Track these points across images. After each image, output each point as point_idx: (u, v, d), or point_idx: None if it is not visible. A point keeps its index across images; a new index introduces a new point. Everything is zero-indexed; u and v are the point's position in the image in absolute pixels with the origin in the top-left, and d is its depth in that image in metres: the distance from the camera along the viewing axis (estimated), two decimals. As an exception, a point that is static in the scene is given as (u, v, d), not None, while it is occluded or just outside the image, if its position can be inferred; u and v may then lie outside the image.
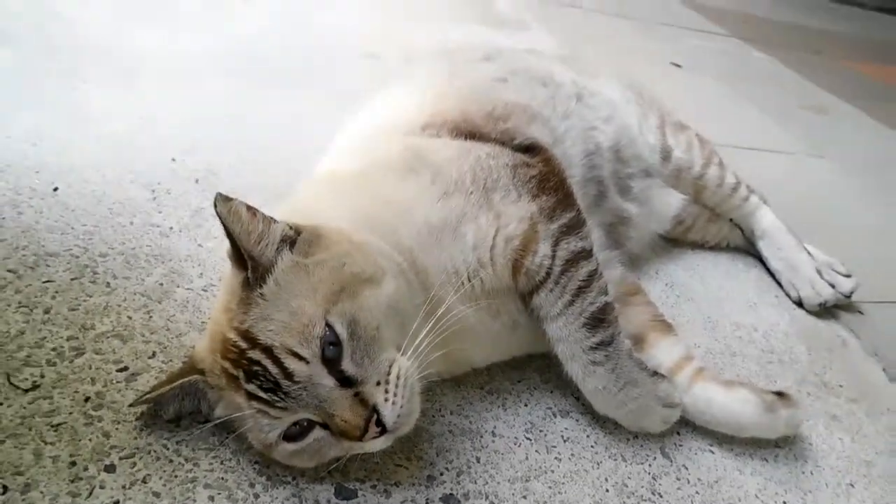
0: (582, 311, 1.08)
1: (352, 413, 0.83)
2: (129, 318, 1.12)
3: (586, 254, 1.12)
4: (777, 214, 1.81)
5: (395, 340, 0.90)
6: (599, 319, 1.09)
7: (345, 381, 0.85)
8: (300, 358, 0.83)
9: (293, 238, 0.92)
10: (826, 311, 1.69)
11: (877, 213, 2.39)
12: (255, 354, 0.83)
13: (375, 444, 0.86)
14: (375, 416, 0.84)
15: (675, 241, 1.76)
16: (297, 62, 2.20)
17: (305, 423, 0.86)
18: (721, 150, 1.85)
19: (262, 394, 0.83)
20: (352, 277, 0.89)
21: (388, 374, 0.86)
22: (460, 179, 1.09)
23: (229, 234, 0.87)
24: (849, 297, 1.72)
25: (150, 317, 1.13)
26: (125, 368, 1.03)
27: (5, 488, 0.83)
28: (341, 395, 0.84)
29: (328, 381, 0.84)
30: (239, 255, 0.88)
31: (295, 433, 0.86)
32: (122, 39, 2.00)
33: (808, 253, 1.75)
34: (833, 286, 1.70)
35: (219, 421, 0.91)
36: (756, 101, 3.31)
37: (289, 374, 0.83)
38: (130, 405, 0.95)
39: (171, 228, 1.34)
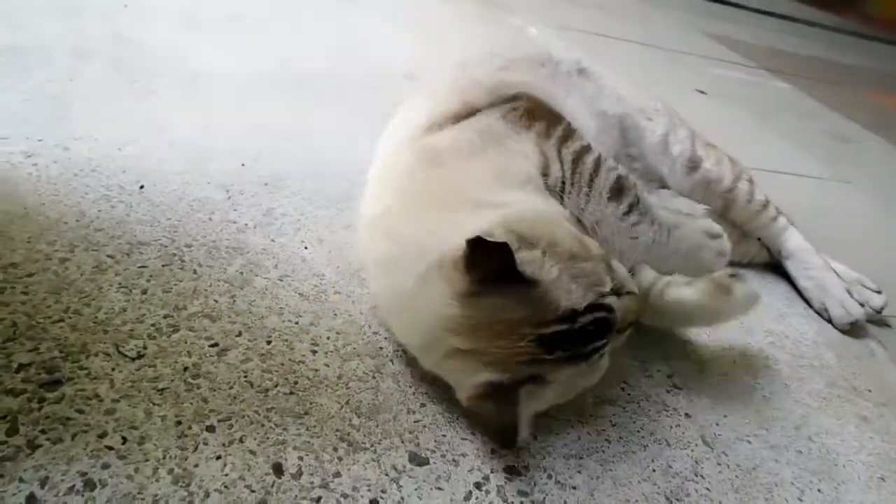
0: (601, 188, 1.20)
1: None
2: (216, 301, 1.23)
3: (585, 149, 1.25)
4: (806, 235, 1.88)
5: None
6: (619, 189, 1.21)
7: None
8: None
9: None
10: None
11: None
12: None
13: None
14: None
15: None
16: (344, 83, 2.33)
17: None
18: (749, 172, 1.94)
19: None
20: None
21: None
22: (472, 141, 1.22)
23: None
24: (880, 312, 1.78)
25: (234, 301, 1.24)
26: (216, 344, 1.14)
27: (125, 439, 0.93)
28: None
29: None
30: None
31: None
32: (186, 60, 2.14)
33: (836, 273, 1.82)
34: (863, 304, 1.76)
35: None
36: (781, 128, 3.41)
37: None
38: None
39: (247, 225, 1.46)
